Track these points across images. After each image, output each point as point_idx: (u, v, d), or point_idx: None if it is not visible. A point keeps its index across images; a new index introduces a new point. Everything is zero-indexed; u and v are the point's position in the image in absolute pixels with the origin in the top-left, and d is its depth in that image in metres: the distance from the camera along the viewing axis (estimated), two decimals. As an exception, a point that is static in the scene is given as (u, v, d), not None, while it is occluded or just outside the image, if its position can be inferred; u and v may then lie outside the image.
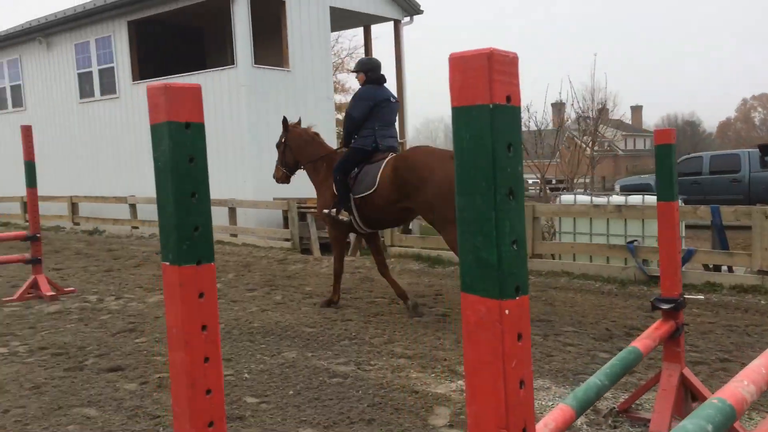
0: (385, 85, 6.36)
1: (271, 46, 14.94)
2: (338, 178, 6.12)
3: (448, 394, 3.87)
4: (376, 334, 5.34)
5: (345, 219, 6.17)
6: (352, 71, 6.68)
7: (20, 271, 8.83)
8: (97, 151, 16.31)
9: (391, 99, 6.29)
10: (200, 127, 1.33)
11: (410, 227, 11.59)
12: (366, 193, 5.96)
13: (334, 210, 6.18)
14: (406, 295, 6.12)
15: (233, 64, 13.61)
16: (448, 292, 7.08)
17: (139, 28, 15.11)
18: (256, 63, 13.32)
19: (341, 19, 15.93)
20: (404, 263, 9.08)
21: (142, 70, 15.14)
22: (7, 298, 6.99)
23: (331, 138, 12.33)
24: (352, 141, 6.22)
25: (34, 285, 7.11)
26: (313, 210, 10.74)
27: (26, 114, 17.89)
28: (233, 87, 13.26)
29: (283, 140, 6.92)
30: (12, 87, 18.44)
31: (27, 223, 16.69)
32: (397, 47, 16.46)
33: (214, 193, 10.72)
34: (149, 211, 14.33)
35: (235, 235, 12.04)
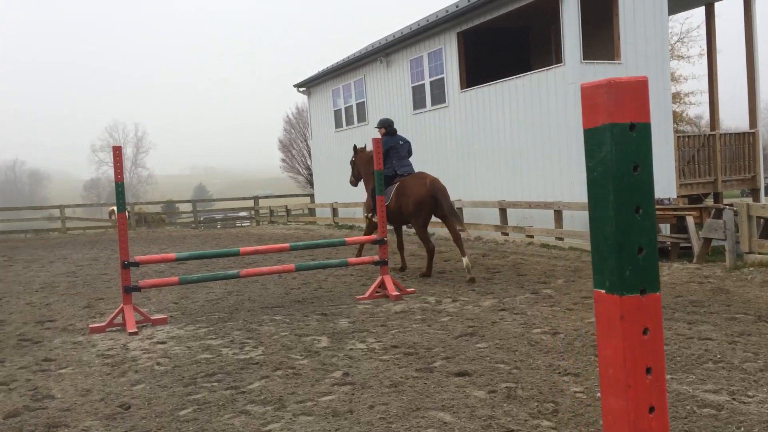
0: (398, 133, 9.89)
1: (599, 39, 14.23)
2: (371, 192, 9.38)
3: None
4: (746, 358, 4.53)
5: (376, 220, 8.60)
6: (376, 127, 10.02)
7: (367, 271, 9.73)
8: (426, 157, 17.41)
9: (400, 141, 9.70)
10: (646, 129, 1.08)
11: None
12: (386, 203, 8.72)
13: (370, 214, 9.76)
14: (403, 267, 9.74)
15: (559, 62, 13.27)
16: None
17: (467, 37, 15.70)
18: (584, 59, 12.78)
19: (680, 0, 14.50)
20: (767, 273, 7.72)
21: (469, 77, 15.70)
22: (360, 296, 7.69)
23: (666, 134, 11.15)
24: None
25: (381, 285, 7.72)
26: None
27: (368, 127, 19.98)
28: (560, 86, 12.91)
29: (353, 160, 10.57)
30: (357, 104, 20.77)
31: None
32: (747, 23, 14.37)
33: (539, 195, 10.55)
34: (474, 215, 14.77)
35: (561, 239, 11.68)
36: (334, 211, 21.40)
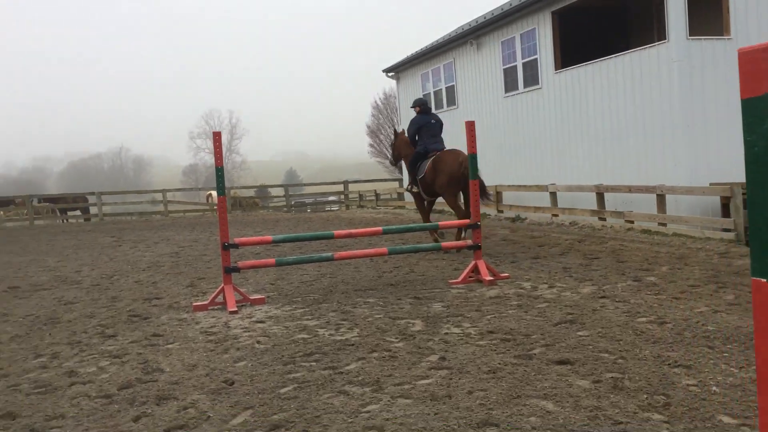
0: (431, 112, 11.06)
1: (705, 13, 13.38)
2: (410, 168, 10.87)
3: None
4: None
5: (415, 191, 10.77)
6: (411, 107, 11.20)
7: (458, 255, 9.64)
8: (518, 141, 17.03)
9: (432, 120, 10.71)
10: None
11: None
12: (421, 176, 10.49)
13: (411, 185, 11.05)
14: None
15: (662, 39, 12.59)
16: None
17: (561, 16, 15.16)
18: (690, 35, 12.06)
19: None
20: None
21: (563, 58, 15.18)
22: (453, 281, 7.62)
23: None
24: (415, 147, 10.82)
25: (475, 269, 7.61)
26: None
27: (458, 111, 19.74)
28: (663, 63, 12.25)
29: (393, 142, 11.94)
30: (447, 88, 20.56)
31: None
32: None
33: (640, 179, 10.10)
34: (568, 199, 14.33)
35: (663, 224, 11.13)
36: (423, 196, 21.35)
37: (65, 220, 28.63)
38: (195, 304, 6.81)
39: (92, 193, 28.63)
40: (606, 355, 4.47)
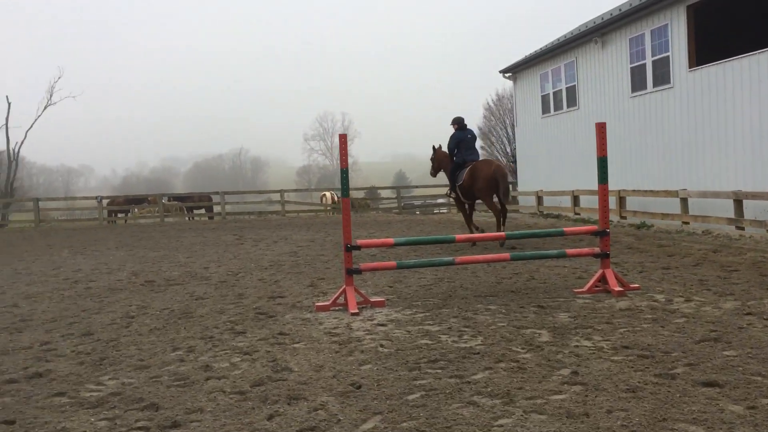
0: (467, 128, 12.95)
1: None
2: (450, 177, 12.88)
3: None
4: None
5: (453, 196, 13.01)
6: (451, 124, 12.94)
7: (582, 263, 9.24)
8: (644, 143, 16.17)
9: (468, 135, 12.81)
10: None
11: None
12: (459, 183, 12.48)
13: (450, 191, 13.24)
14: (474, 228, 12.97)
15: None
16: None
17: (697, 11, 14.23)
18: None
19: None
20: None
21: (699, 54, 14.24)
22: (578, 290, 7.29)
23: None
24: (454, 158, 12.83)
25: (602, 279, 7.24)
26: None
27: (579, 112, 19.05)
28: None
29: (432, 156, 13.67)
30: (567, 88, 19.89)
31: (576, 216, 17.82)
32: None
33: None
34: (702, 206, 13.42)
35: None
36: (539, 200, 20.78)
37: (191, 218, 30.35)
38: (317, 304, 6.93)
39: (216, 193, 30.15)
40: (759, 378, 4.09)
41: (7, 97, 45.98)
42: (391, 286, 8.15)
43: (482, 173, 12.07)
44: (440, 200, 32.26)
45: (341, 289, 6.89)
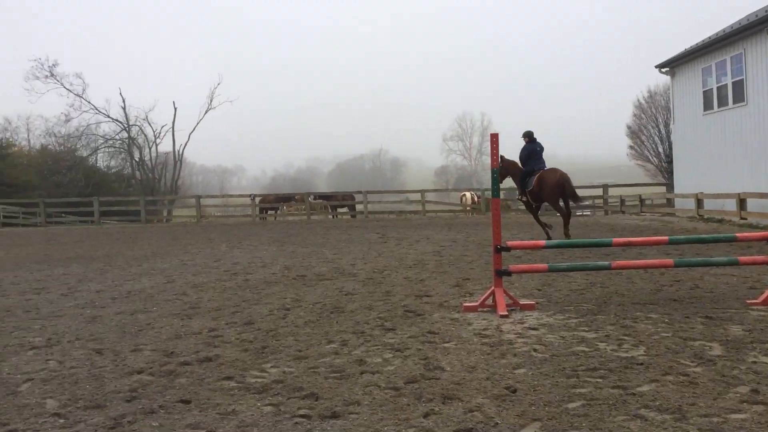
0: (536, 140, 14.67)
1: None
2: (519, 183, 14.86)
3: None
4: None
5: (524, 200, 14.94)
6: (522, 137, 14.83)
7: (753, 272, 8.45)
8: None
9: (537, 148, 14.56)
10: None
11: None
12: (529, 188, 14.42)
13: (520, 196, 15.27)
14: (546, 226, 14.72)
15: None
16: None
17: None
18: None
19: None
20: None
21: None
22: (751, 301, 6.67)
23: None
24: (524, 167, 14.62)
25: (780, 289, 6.57)
26: None
27: (746, 108, 17.49)
28: None
29: (501, 165, 13.89)
30: (733, 83, 18.33)
31: (742, 221, 16.36)
32: None
33: None
34: None
35: None
36: (699, 203, 19.32)
37: (335, 216, 31.42)
38: (465, 304, 6.87)
39: (359, 192, 30.99)
40: None
41: (173, 102, 50.18)
42: (539, 289, 7.91)
43: (549, 180, 13.95)
44: (586, 202, 30.97)
45: (490, 290, 6.78)
